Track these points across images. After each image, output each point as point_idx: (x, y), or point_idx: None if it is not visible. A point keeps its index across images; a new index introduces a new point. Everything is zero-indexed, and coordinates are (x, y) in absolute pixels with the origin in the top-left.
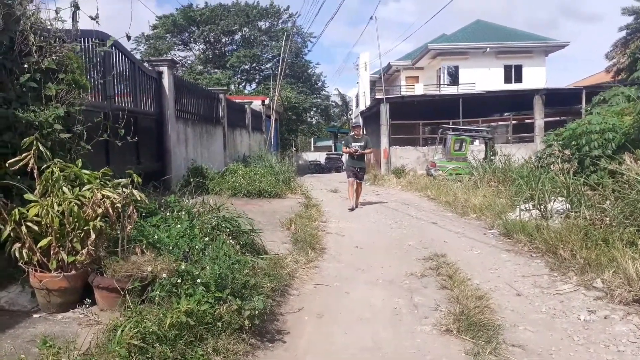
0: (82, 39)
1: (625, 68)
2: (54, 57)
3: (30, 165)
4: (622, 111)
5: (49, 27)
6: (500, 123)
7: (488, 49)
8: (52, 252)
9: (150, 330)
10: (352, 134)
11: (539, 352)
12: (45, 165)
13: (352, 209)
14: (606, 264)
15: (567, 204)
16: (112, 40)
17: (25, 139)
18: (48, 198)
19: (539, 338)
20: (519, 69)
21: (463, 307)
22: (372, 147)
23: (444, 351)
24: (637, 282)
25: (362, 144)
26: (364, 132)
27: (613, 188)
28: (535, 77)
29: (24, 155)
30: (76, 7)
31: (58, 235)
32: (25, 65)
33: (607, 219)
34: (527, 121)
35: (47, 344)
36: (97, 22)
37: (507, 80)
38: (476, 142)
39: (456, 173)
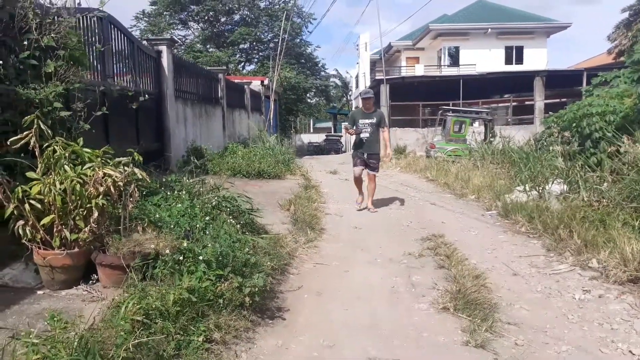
0: (80, 16)
1: (627, 50)
2: (52, 35)
3: (31, 143)
4: (622, 93)
5: (48, 5)
6: (500, 105)
7: (489, 30)
8: (55, 229)
9: (153, 306)
10: (360, 107)
11: (533, 329)
12: (46, 144)
13: (360, 209)
14: (602, 244)
15: (566, 186)
16: (105, 1)
17: (26, 117)
18: (50, 176)
19: (534, 316)
20: (520, 50)
21: (460, 286)
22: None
23: (441, 328)
24: (633, 262)
25: (375, 120)
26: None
27: (612, 169)
28: (536, 58)
29: (25, 133)
30: None
31: (61, 213)
32: (25, 43)
33: (605, 200)
34: (527, 103)
35: (55, 319)
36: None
37: (508, 61)
38: (476, 124)
39: (455, 155)
